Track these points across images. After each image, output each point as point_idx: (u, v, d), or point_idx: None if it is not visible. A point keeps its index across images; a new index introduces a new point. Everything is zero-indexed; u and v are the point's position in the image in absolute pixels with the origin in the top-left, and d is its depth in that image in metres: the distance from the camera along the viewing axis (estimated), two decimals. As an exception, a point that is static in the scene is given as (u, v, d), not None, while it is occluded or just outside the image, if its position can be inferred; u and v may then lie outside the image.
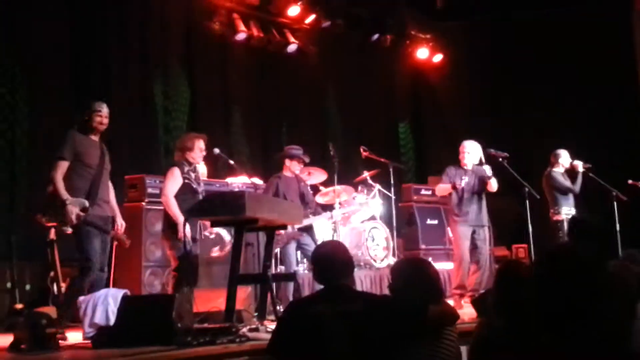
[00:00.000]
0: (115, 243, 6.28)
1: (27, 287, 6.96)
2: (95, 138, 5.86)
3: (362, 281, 8.09)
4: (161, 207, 6.38)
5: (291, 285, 6.78)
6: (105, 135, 5.99)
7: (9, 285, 6.73)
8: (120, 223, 5.97)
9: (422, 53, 12.08)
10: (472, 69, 12.28)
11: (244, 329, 4.82)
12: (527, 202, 7.93)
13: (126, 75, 8.92)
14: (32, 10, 7.91)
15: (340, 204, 8.20)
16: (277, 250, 7.43)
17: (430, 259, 8.56)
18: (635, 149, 10.88)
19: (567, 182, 8.44)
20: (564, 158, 8.53)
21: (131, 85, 8.94)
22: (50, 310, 4.83)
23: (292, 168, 7.51)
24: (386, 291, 4.13)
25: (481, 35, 12.06)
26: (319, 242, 6.97)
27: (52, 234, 5.67)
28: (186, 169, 6.14)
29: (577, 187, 8.41)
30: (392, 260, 8.56)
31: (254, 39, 10.19)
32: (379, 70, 12.07)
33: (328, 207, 8.31)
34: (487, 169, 7.51)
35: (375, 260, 8.66)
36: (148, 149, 9.01)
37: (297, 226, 7.12)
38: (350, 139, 10.68)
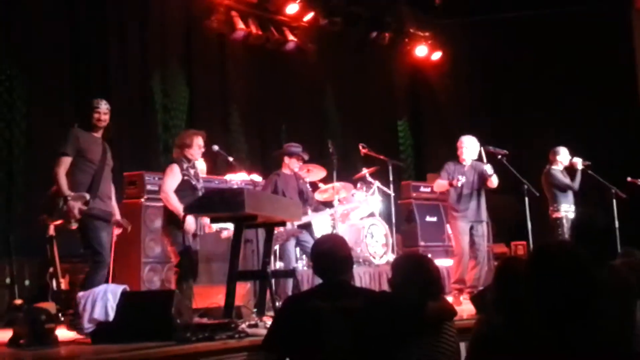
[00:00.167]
0: (114, 240, 6.27)
1: (27, 282, 6.97)
2: (97, 135, 5.86)
3: (362, 278, 8.09)
4: (160, 204, 6.38)
5: (290, 282, 6.78)
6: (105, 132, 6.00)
7: (8, 281, 6.74)
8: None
9: (420, 51, 12.09)
10: (471, 66, 12.28)
11: (243, 325, 4.81)
12: (527, 199, 7.94)
13: (125, 73, 8.92)
14: (30, 8, 7.90)
15: (339, 201, 8.21)
16: (277, 246, 7.44)
17: (429, 256, 8.65)
18: (634, 147, 10.90)
19: (566, 180, 8.44)
20: (563, 155, 8.53)
21: (130, 83, 8.95)
22: (50, 306, 4.84)
23: (291, 165, 7.51)
24: (385, 287, 4.15)
25: (480, 32, 12.05)
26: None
27: (52, 230, 5.68)
28: (185, 165, 6.13)
29: (577, 184, 8.42)
30: (391, 257, 8.57)
31: (252, 37, 10.19)
32: (377, 68, 12.06)
33: (327, 204, 8.32)
34: (489, 168, 7.49)
35: (374, 257, 8.66)
36: (147, 146, 9.02)
37: (296, 223, 7.13)
38: (349, 136, 10.69)
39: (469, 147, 7.62)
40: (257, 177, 8.02)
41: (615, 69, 11.05)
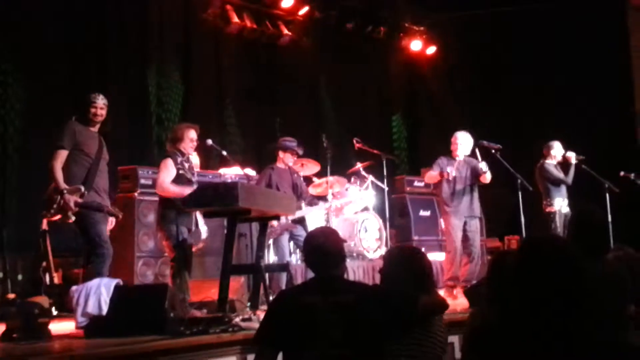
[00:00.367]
0: (107, 234, 6.26)
1: (20, 277, 6.96)
2: (94, 129, 5.86)
3: (355, 272, 8.11)
4: (154, 198, 6.37)
5: (284, 276, 6.78)
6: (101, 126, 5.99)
7: (0, 275, 6.73)
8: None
9: (415, 45, 12.08)
10: (466, 61, 12.28)
11: (237, 319, 4.81)
12: (520, 193, 7.95)
13: (121, 66, 8.91)
14: (28, 6, 7.86)
15: (333, 195, 8.21)
16: (270, 241, 7.44)
17: (422, 250, 8.66)
18: (627, 141, 10.92)
19: (559, 174, 8.45)
20: (557, 150, 8.54)
21: (125, 77, 8.93)
22: (43, 300, 4.82)
23: (286, 160, 7.50)
24: (379, 282, 4.14)
25: (475, 27, 12.04)
26: (310, 232, 6.96)
27: (45, 225, 5.66)
28: (179, 159, 6.11)
29: (570, 178, 8.42)
30: (384, 252, 8.57)
31: (247, 31, 10.17)
32: (372, 63, 12.05)
33: (321, 199, 8.32)
34: (484, 165, 7.48)
35: (367, 251, 8.68)
36: (141, 140, 9.00)
37: (290, 217, 7.12)
38: (344, 131, 10.68)
39: (463, 143, 7.61)
40: (251, 171, 8.01)
41: (610, 63, 11.05)
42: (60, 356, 4.02)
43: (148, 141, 9.07)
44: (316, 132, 9.71)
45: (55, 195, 5.51)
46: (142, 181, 7.44)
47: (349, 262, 7.35)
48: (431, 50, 12.22)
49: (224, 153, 6.74)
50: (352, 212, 8.98)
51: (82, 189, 5.55)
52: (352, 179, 8.98)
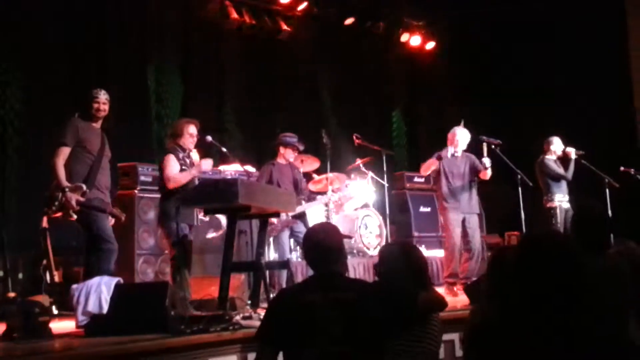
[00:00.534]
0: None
1: (20, 275, 6.96)
2: (96, 125, 5.85)
3: (355, 269, 8.10)
4: (154, 195, 6.37)
5: (284, 273, 6.77)
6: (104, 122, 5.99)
7: (1, 274, 6.72)
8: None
9: (415, 40, 12.06)
10: (466, 57, 12.25)
11: (237, 317, 4.81)
12: (520, 189, 7.94)
13: (122, 63, 8.89)
14: (28, 6, 7.85)
15: (333, 191, 8.20)
16: (271, 238, 7.44)
17: (422, 246, 8.66)
18: (627, 136, 10.91)
19: (559, 169, 8.44)
20: (557, 145, 8.53)
21: (125, 76, 8.91)
22: (43, 299, 4.81)
23: (287, 156, 7.49)
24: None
25: (476, 22, 12.01)
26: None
27: (45, 223, 5.65)
28: (181, 155, 6.12)
29: (570, 174, 8.41)
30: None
31: (246, 26, 10.15)
32: (372, 58, 12.03)
33: (321, 195, 8.31)
34: (487, 161, 7.44)
35: (368, 248, 8.68)
36: (140, 137, 8.99)
37: (290, 214, 7.12)
38: (343, 127, 10.67)
39: (461, 138, 7.59)
40: (251, 168, 8.01)
41: (609, 58, 11.03)
42: (61, 355, 4.02)
43: (148, 138, 9.06)
44: (316, 128, 9.70)
45: (57, 192, 5.50)
46: (142, 178, 7.45)
47: (349, 259, 7.35)
48: (430, 45, 12.20)
49: (224, 149, 6.73)
50: (352, 208, 8.98)
51: (84, 187, 5.54)
52: (352, 175, 8.98)
